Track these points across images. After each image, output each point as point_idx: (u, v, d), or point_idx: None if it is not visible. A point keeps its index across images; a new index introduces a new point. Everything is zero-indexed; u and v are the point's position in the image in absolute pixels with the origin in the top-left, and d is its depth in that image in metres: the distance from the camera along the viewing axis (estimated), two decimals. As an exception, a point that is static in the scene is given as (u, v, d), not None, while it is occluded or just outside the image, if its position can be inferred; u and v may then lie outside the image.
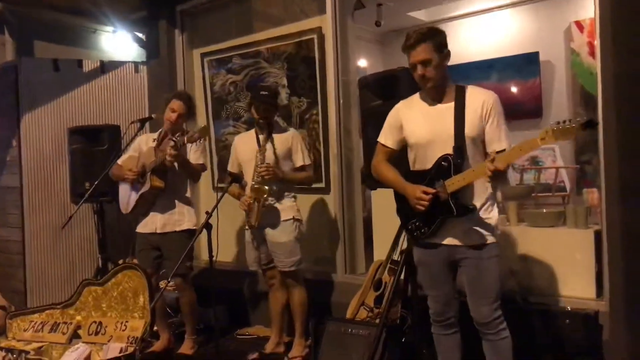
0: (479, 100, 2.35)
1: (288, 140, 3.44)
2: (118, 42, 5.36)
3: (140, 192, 3.48)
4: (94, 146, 4.01)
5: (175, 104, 3.54)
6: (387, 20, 5.22)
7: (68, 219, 3.63)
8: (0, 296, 4.45)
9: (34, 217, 4.58)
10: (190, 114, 3.62)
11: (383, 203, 3.67)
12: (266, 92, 3.48)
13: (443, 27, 2.53)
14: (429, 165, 2.40)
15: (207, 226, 3.07)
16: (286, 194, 3.44)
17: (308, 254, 3.72)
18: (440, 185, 2.32)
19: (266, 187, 3.30)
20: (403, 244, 3.09)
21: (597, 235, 2.95)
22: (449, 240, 2.42)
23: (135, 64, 5.03)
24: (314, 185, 3.74)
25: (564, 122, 2.04)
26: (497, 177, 2.19)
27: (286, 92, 4.24)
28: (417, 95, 2.52)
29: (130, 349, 2.91)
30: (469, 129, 2.33)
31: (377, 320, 3.06)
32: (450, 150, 2.34)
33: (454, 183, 2.29)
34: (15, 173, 4.60)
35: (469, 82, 2.54)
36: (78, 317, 3.27)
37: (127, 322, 3.09)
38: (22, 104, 4.59)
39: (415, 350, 2.99)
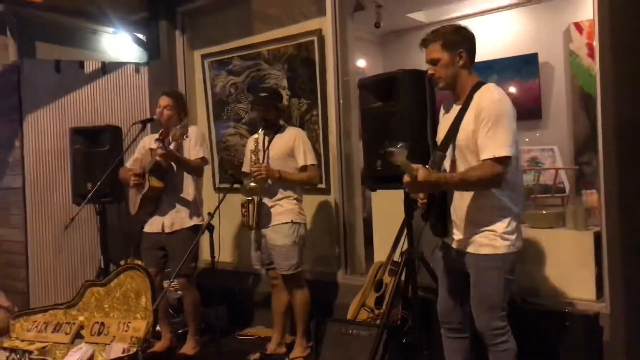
0: (479, 104, 2.25)
1: (291, 139, 3.46)
2: (119, 43, 5.37)
3: (141, 194, 3.49)
4: (96, 147, 4.01)
5: (161, 99, 3.59)
6: (387, 22, 5.25)
7: (70, 220, 3.64)
8: (4, 296, 4.48)
9: (36, 218, 4.59)
10: (179, 110, 3.62)
11: (383, 204, 3.70)
12: (265, 94, 3.50)
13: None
14: None
15: (209, 227, 3.10)
16: (287, 195, 3.44)
17: (308, 254, 3.74)
18: None
19: (257, 187, 3.32)
20: (404, 245, 3.11)
21: (597, 236, 2.96)
22: (453, 243, 2.41)
23: (136, 65, 5.05)
24: (313, 187, 3.76)
25: None
26: (410, 188, 2.23)
27: (286, 93, 4.26)
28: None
29: (133, 350, 2.93)
30: (462, 137, 2.28)
31: (378, 321, 3.08)
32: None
33: None
34: (18, 174, 4.61)
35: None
36: (81, 318, 3.29)
37: (129, 322, 3.11)
38: (24, 105, 4.60)
39: (416, 351, 3.01)
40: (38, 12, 4.97)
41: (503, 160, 2.16)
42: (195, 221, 3.54)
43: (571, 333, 2.75)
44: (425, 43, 2.35)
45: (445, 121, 2.42)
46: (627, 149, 2.76)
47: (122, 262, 4.05)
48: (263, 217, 3.42)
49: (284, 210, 3.43)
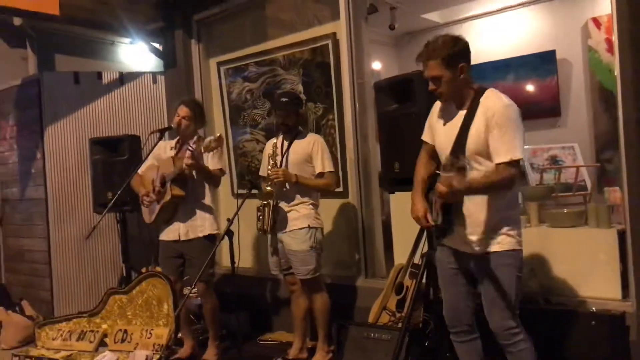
0: (487, 109, 2.26)
1: (309, 145, 3.46)
2: (136, 53, 5.45)
3: (162, 203, 3.52)
4: (115, 156, 4.06)
5: (180, 109, 3.61)
6: (401, 23, 5.23)
7: (92, 229, 3.68)
8: (29, 306, 4.56)
9: (58, 228, 4.67)
10: (198, 119, 3.65)
11: (402, 206, 3.65)
12: (286, 99, 3.51)
13: (457, 27, 2.50)
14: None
15: (229, 233, 3.11)
16: (303, 201, 3.44)
17: (327, 258, 3.73)
18: (434, 194, 2.28)
19: (273, 191, 3.33)
20: (424, 247, 3.09)
21: (621, 234, 2.91)
22: (456, 245, 2.41)
23: (153, 74, 5.11)
24: (331, 190, 3.75)
25: None
26: (448, 198, 2.15)
27: (302, 98, 4.27)
28: None
29: (156, 357, 2.96)
30: (471, 142, 2.28)
31: (400, 325, 3.06)
32: None
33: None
34: (40, 185, 4.70)
35: (486, 82, 2.51)
36: (104, 326, 3.34)
37: (152, 329, 3.15)
38: (45, 117, 4.68)
39: (438, 354, 2.98)
40: (57, 25, 5.08)
41: (516, 163, 2.21)
42: (210, 230, 3.56)
43: (597, 333, 2.71)
44: (422, 59, 2.31)
45: (449, 128, 2.39)
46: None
47: (143, 270, 4.09)
48: (279, 221, 3.43)
49: (301, 215, 3.43)
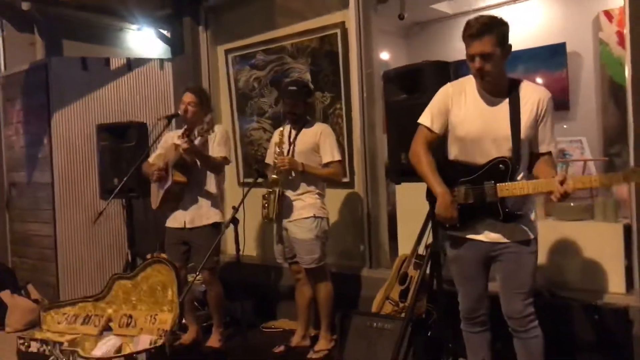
0: (534, 98, 2.26)
1: (317, 134, 3.45)
2: (143, 40, 5.44)
3: (165, 188, 3.53)
4: (122, 143, 4.06)
5: (185, 96, 3.60)
6: (411, 13, 5.15)
7: (99, 215, 3.70)
8: (34, 289, 4.60)
9: (65, 213, 4.69)
10: (204, 105, 3.64)
11: (408, 197, 3.67)
12: (294, 87, 3.50)
13: (467, 19, 2.45)
14: (478, 160, 2.31)
15: (234, 221, 3.12)
16: (309, 190, 3.44)
17: (332, 248, 3.74)
18: (491, 186, 2.24)
19: (278, 179, 3.33)
20: (428, 238, 3.09)
21: (627, 229, 2.90)
22: (489, 237, 2.35)
23: (161, 60, 5.10)
24: (338, 180, 3.75)
25: None
26: (562, 200, 2.14)
27: (311, 87, 4.25)
28: (470, 82, 2.36)
29: (160, 342, 2.98)
30: (525, 131, 2.25)
31: (403, 315, 3.07)
32: (505, 152, 2.25)
33: (508, 189, 2.22)
34: (47, 170, 4.71)
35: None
36: (109, 310, 3.36)
37: (156, 315, 3.17)
38: (52, 103, 4.69)
39: (441, 344, 2.99)
40: (65, 11, 5.07)
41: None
42: (216, 218, 3.56)
43: (600, 326, 2.71)
44: (475, 35, 2.18)
45: (491, 115, 2.29)
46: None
47: (148, 256, 4.11)
48: (285, 210, 3.43)
49: (306, 204, 3.43)
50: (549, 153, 2.30)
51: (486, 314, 2.49)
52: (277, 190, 3.40)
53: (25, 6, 5.07)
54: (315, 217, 3.42)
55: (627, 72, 2.81)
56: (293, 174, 3.42)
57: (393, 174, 3.19)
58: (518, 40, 5.32)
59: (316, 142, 3.44)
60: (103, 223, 4.64)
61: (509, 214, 2.27)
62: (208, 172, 3.57)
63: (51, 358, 3.14)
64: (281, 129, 3.60)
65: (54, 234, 4.67)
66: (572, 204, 3.25)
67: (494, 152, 2.28)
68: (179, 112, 3.64)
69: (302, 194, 3.45)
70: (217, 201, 3.63)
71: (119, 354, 2.94)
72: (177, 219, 3.62)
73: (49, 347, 3.18)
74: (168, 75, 5.09)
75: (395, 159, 3.05)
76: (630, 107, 2.82)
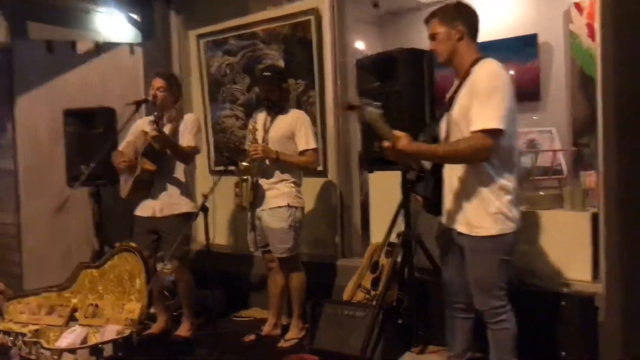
0: (476, 76, 2.26)
1: (292, 121, 3.40)
2: (113, 23, 5.29)
3: (134, 176, 3.45)
4: (90, 129, 3.97)
5: (155, 81, 3.54)
6: (385, 2, 5.15)
7: (63, 203, 3.62)
8: (-3, 279, 4.46)
9: (29, 201, 4.55)
10: (173, 92, 3.57)
11: (380, 186, 3.67)
12: (269, 73, 3.44)
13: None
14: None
15: (204, 209, 3.07)
16: (284, 179, 3.40)
17: (305, 237, 3.72)
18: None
19: (250, 166, 3.29)
20: (400, 226, 3.09)
21: (594, 217, 2.95)
22: (448, 222, 2.41)
23: (131, 45, 4.97)
24: (310, 168, 3.72)
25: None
26: (396, 156, 2.20)
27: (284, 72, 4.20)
28: None
29: (127, 332, 2.92)
30: (455, 111, 2.31)
31: (374, 302, 3.08)
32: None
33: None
34: (10, 157, 4.56)
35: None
36: (74, 300, 3.27)
37: (123, 304, 3.10)
38: (16, 87, 4.53)
39: (411, 332, 3.01)
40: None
41: (493, 133, 2.14)
42: (186, 207, 3.50)
43: (567, 313, 2.76)
44: (427, 20, 2.42)
45: (447, 96, 2.44)
46: (627, 131, 2.73)
47: (116, 245, 4.03)
48: (258, 198, 3.39)
49: (281, 193, 3.39)
50: (481, 131, 2.14)
51: (465, 302, 2.47)
52: (250, 178, 3.35)
53: (-13, -14, 4.89)
54: (289, 206, 3.38)
55: (598, 65, 2.84)
56: (267, 162, 3.37)
57: (366, 162, 3.19)
58: (490, 30, 5.37)
59: (292, 130, 3.40)
60: (70, 211, 4.53)
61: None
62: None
63: (14, 349, 3.05)
64: (255, 115, 3.55)
65: (17, 223, 4.54)
66: (541, 193, 3.29)
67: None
68: (148, 98, 3.55)
69: (277, 182, 3.40)
70: (188, 189, 3.56)
71: (84, 345, 2.86)
72: (146, 208, 3.55)
73: (12, 338, 3.08)
74: (138, 60, 4.97)
75: (368, 147, 3.04)
76: (599, 98, 2.85)
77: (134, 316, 3.00)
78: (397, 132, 2.15)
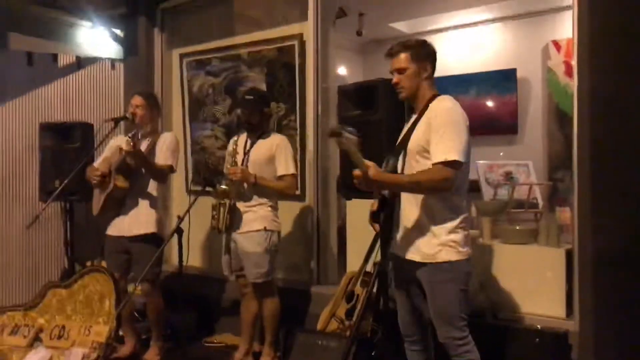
0: (432, 111, 2.32)
1: (272, 146, 3.38)
2: (95, 38, 5.25)
3: (106, 193, 3.39)
4: (66, 143, 3.91)
5: (134, 99, 3.52)
6: (369, 30, 5.24)
7: (34, 218, 3.51)
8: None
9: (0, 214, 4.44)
10: (153, 110, 3.55)
11: (358, 213, 3.65)
12: (251, 97, 3.43)
13: (423, 39, 2.52)
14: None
15: (178, 230, 3.02)
16: (261, 202, 3.37)
17: (281, 262, 3.68)
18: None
19: (228, 190, 3.26)
20: (376, 255, 3.07)
21: (569, 254, 2.97)
22: (398, 251, 2.42)
23: (112, 61, 4.94)
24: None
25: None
26: (366, 185, 2.20)
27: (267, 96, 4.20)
28: None
29: (93, 355, 2.84)
30: (412, 143, 2.35)
31: (348, 333, 3.04)
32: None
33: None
34: (-19, 169, 4.46)
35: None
36: (41, 321, 3.18)
37: (91, 326, 3.03)
38: (-8, 98, 4.46)
39: (384, 363, 2.97)
40: (11, 1, 4.83)
41: (453, 164, 2.21)
42: (155, 228, 3.44)
43: (540, 350, 2.76)
44: (392, 53, 2.41)
45: (404, 130, 2.48)
46: (601, 168, 2.77)
47: (88, 264, 3.93)
48: (235, 221, 3.35)
49: (258, 217, 3.35)
50: (441, 163, 2.20)
51: (420, 336, 2.49)
52: (227, 202, 3.32)
53: (-33, -5, 4.82)
54: (265, 229, 3.34)
55: (575, 102, 2.89)
56: (245, 185, 3.34)
57: (344, 188, 3.17)
58: (471, 63, 5.53)
59: (272, 154, 3.38)
60: (42, 227, 4.42)
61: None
62: (151, 179, 3.45)
63: (-27, 370, 2.95)
64: (236, 138, 3.52)
65: (-16, 237, 4.42)
66: (517, 227, 3.31)
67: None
68: (127, 115, 3.51)
69: (254, 205, 3.36)
70: (158, 209, 3.50)
71: (48, 368, 2.78)
72: (116, 227, 3.48)
73: (-29, 359, 2.98)
74: (119, 76, 4.94)
75: (346, 173, 3.03)
76: (575, 134, 2.89)
77: (101, 339, 2.93)
78: (368, 162, 2.17)
